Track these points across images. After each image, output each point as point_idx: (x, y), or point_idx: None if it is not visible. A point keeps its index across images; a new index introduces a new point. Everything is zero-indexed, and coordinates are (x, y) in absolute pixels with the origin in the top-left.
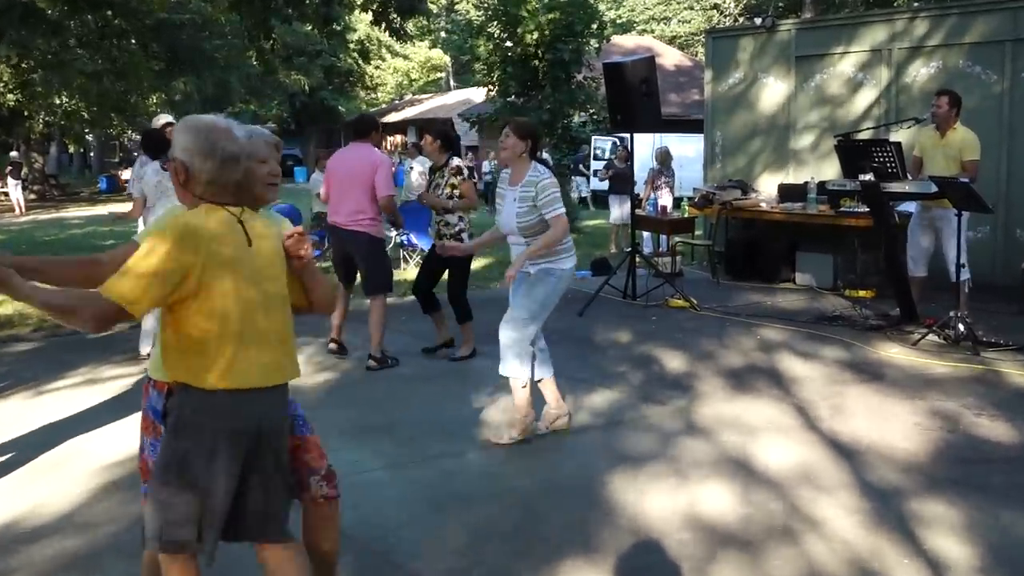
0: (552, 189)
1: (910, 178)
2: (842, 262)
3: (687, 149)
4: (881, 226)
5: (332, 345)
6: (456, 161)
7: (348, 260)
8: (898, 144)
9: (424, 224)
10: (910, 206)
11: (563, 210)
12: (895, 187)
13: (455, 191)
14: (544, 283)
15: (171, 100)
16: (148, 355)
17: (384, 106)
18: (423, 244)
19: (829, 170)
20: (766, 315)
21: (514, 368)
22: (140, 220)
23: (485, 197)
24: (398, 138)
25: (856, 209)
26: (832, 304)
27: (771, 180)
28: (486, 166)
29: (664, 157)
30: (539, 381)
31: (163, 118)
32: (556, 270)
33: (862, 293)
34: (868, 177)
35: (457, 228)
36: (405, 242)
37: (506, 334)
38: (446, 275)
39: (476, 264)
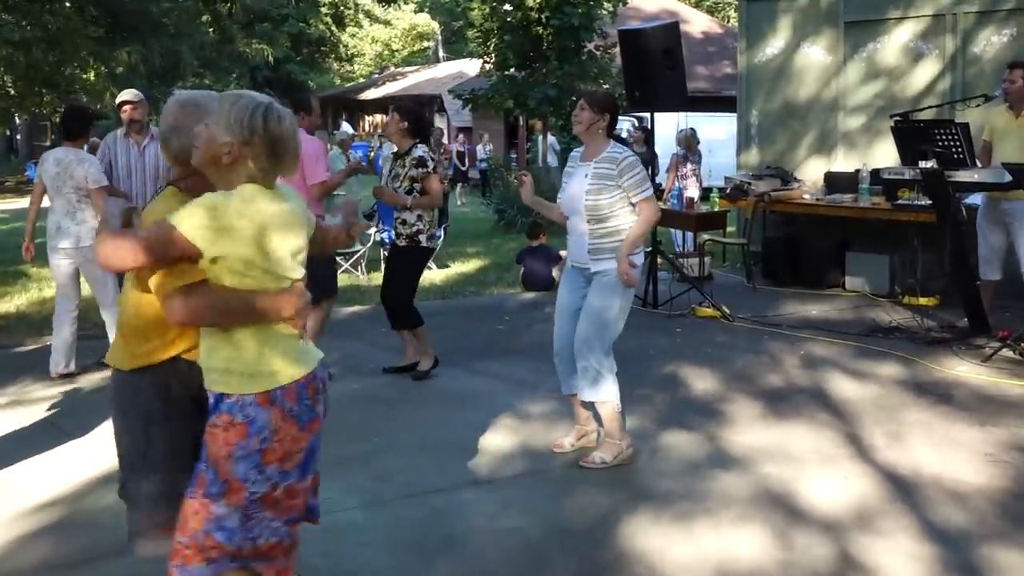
0: (639, 169)
1: (979, 165)
2: (900, 264)
3: (717, 131)
4: (945, 221)
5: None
6: (420, 151)
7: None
8: (965, 126)
9: None
10: (978, 198)
11: (652, 192)
12: (962, 176)
13: (415, 185)
14: (616, 287)
15: (112, 73)
16: (66, 374)
17: (361, 81)
18: None
19: (884, 156)
20: (810, 326)
21: (604, 391)
22: (59, 218)
23: (483, 188)
24: (377, 118)
25: (916, 202)
26: (888, 313)
27: (816, 167)
28: (481, 151)
29: (689, 140)
30: (572, 395)
31: (126, 94)
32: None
33: (923, 300)
34: (930, 164)
35: (415, 228)
36: (385, 240)
37: (586, 352)
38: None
39: (471, 266)
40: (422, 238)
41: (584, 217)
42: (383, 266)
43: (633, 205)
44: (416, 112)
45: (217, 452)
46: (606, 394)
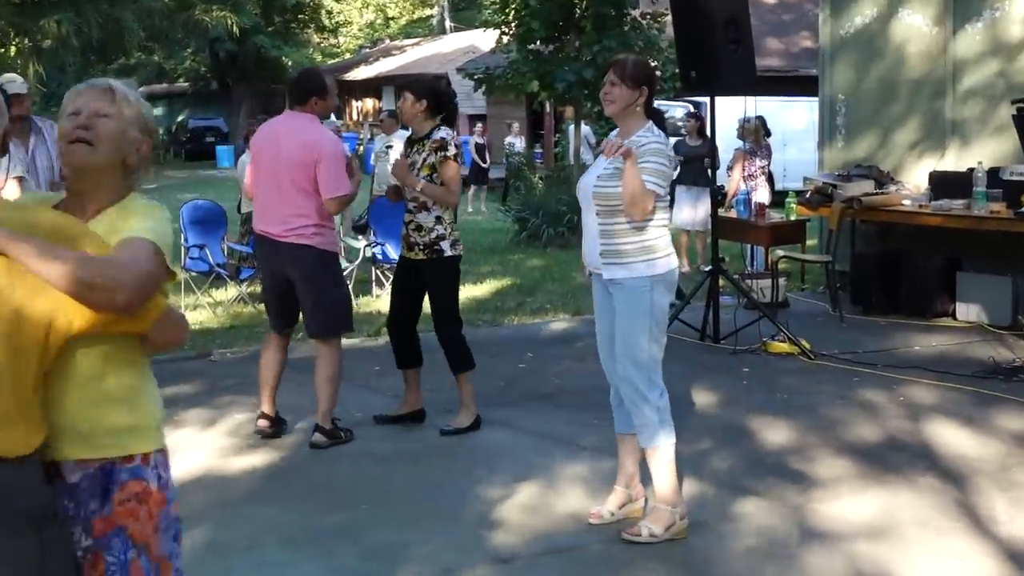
0: (656, 158)
1: None
2: None
3: (793, 119)
4: None
5: (261, 422)
6: (443, 132)
7: (284, 288)
8: None
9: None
10: None
11: (658, 190)
12: None
13: (434, 175)
14: (641, 301)
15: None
16: None
17: (348, 57)
18: None
19: (1005, 151)
20: (913, 365)
21: (651, 434)
22: None
23: (504, 191)
24: (369, 103)
25: None
26: (1011, 349)
27: (919, 166)
28: (515, 143)
29: (757, 132)
30: (620, 435)
31: (14, 83)
32: (645, 280)
33: None
34: None
35: (434, 234)
36: (379, 256)
37: (624, 386)
38: (426, 302)
39: (484, 289)
40: (445, 246)
41: (593, 209)
42: (375, 287)
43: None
44: (433, 88)
45: (143, 531)
46: (653, 437)
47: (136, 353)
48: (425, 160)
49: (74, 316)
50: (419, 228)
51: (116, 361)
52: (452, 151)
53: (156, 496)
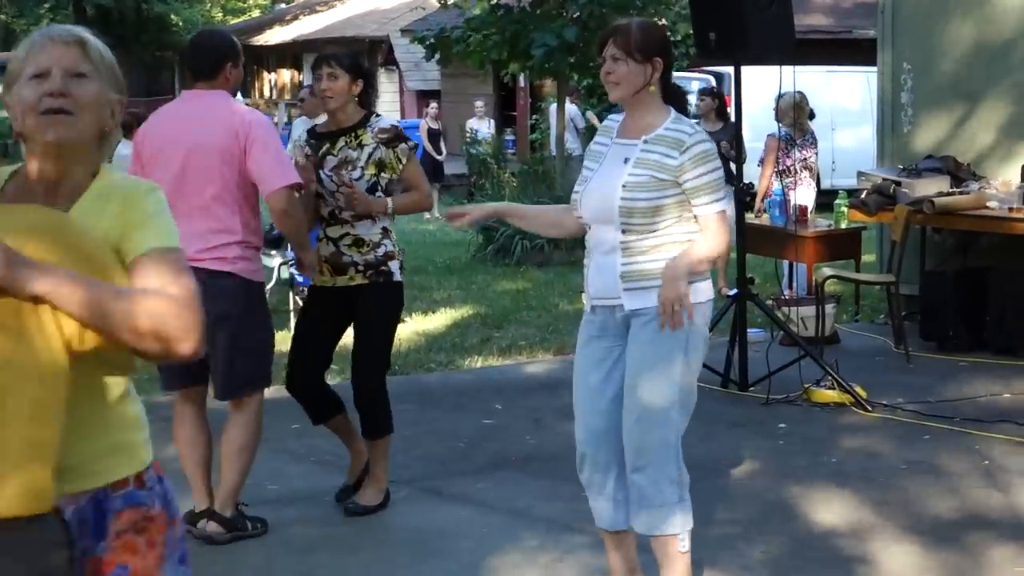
0: (716, 164)
1: None
2: None
3: (844, 97)
4: None
5: (209, 526)
6: (387, 120)
7: None
8: None
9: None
10: None
11: (726, 205)
12: None
13: (382, 177)
14: (671, 336)
15: None
16: None
17: (258, 15)
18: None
19: None
20: (1001, 419)
21: (671, 519)
22: None
23: (469, 190)
24: (285, 76)
25: None
26: None
27: (1009, 158)
28: (481, 127)
29: (798, 112)
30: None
31: None
32: (692, 306)
33: None
34: None
35: (382, 251)
36: (296, 278)
37: (642, 460)
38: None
39: (438, 321)
40: (394, 267)
41: (618, 225)
42: (294, 316)
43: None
44: (363, 65)
45: (146, 566)
46: (670, 522)
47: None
48: (371, 156)
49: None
50: (359, 243)
51: (98, 377)
52: (411, 140)
53: (158, 518)
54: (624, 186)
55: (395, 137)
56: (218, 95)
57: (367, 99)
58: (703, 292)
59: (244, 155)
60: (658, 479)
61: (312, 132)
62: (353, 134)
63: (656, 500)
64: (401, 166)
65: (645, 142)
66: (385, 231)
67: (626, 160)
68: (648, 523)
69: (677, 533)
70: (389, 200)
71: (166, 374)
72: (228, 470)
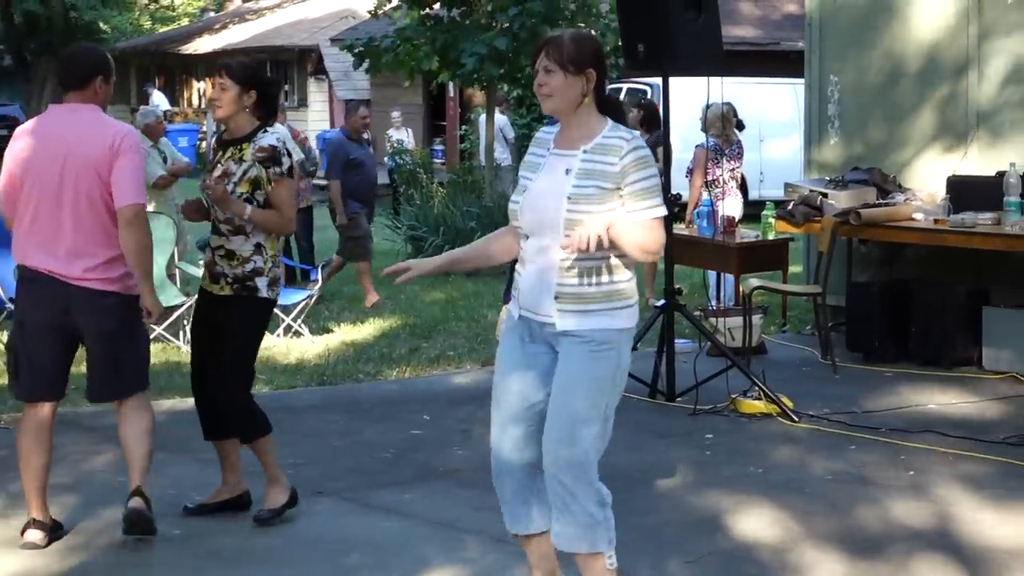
0: (653, 169)
1: None
2: None
3: (773, 109)
4: None
5: (35, 534)
6: (272, 138)
7: (64, 344)
8: None
9: None
10: None
11: (664, 211)
12: None
13: (257, 194)
14: (603, 359)
15: None
16: None
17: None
18: None
19: None
20: (926, 429)
21: (594, 537)
22: None
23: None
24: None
25: None
26: None
27: (934, 169)
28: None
29: (725, 123)
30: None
31: None
32: (613, 333)
33: None
34: None
35: (250, 266)
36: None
37: (565, 474)
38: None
39: (366, 331)
40: (260, 283)
41: (557, 239)
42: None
43: None
44: (259, 75)
45: None
46: (596, 540)
47: None
48: (246, 173)
49: None
50: (230, 256)
51: None
52: (286, 164)
53: None
54: (569, 198)
55: (270, 158)
56: (91, 109)
57: (268, 109)
58: (630, 317)
59: (109, 168)
60: (583, 498)
61: (219, 136)
62: (239, 147)
63: (582, 519)
64: (270, 187)
65: (585, 152)
66: (258, 247)
67: (567, 171)
68: (574, 541)
69: (604, 552)
70: (249, 208)
71: (31, 387)
72: (139, 450)
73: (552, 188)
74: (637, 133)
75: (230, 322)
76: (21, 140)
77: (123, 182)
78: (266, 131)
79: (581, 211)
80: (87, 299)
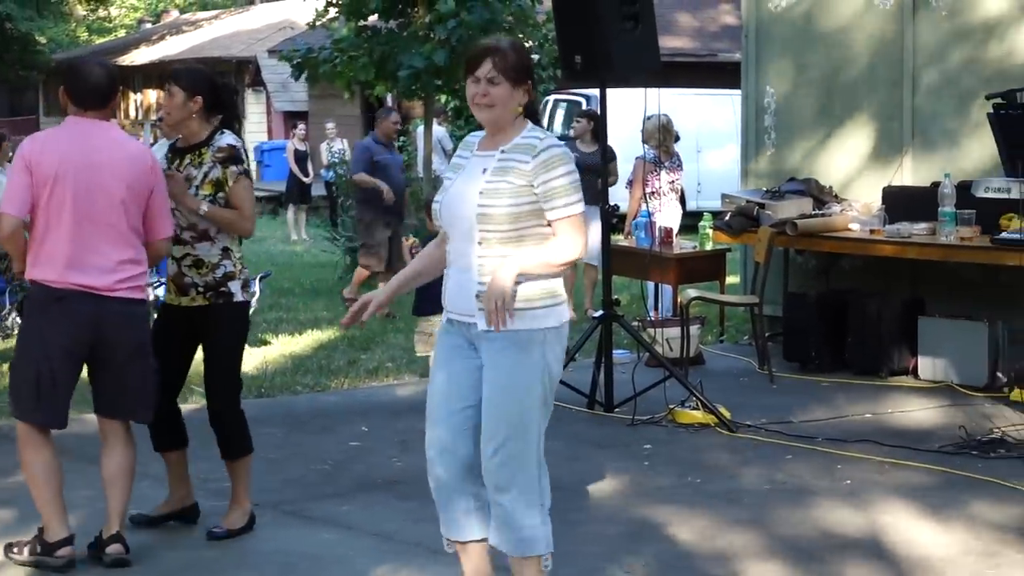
0: (568, 168)
1: None
2: (1006, 337)
3: (710, 119)
4: None
5: (65, 551)
6: (229, 138)
7: (80, 362)
8: None
9: None
10: None
11: (581, 207)
12: None
13: (219, 196)
14: (531, 357)
15: None
16: None
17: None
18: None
19: (978, 160)
20: (862, 439)
21: (530, 539)
22: None
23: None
24: (151, 96)
25: None
26: (988, 417)
27: (870, 180)
28: (327, 150)
29: (664, 134)
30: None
31: None
32: (538, 333)
33: None
34: None
35: (221, 272)
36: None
37: (499, 477)
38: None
39: (304, 343)
40: (234, 287)
41: (476, 234)
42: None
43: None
44: (209, 79)
45: None
46: (534, 543)
47: None
48: (207, 175)
49: None
50: (198, 264)
51: None
52: (246, 163)
53: None
54: (481, 192)
55: (228, 158)
56: (111, 126)
57: (225, 114)
58: (559, 315)
59: (152, 193)
60: (521, 502)
61: (172, 147)
62: (197, 152)
63: (520, 522)
64: (229, 186)
65: (503, 151)
66: (225, 251)
67: (484, 170)
68: (512, 545)
69: (541, 555)
70: (205, 203)
71: (47, 411)
72: (122, 490)
73: (469, 187)
74: (553, 137)
75: (211, 333)
76: (51, 150)
77: (160, 212)
78: (223, 133)
79: (491, 204)
80: (120, 312)
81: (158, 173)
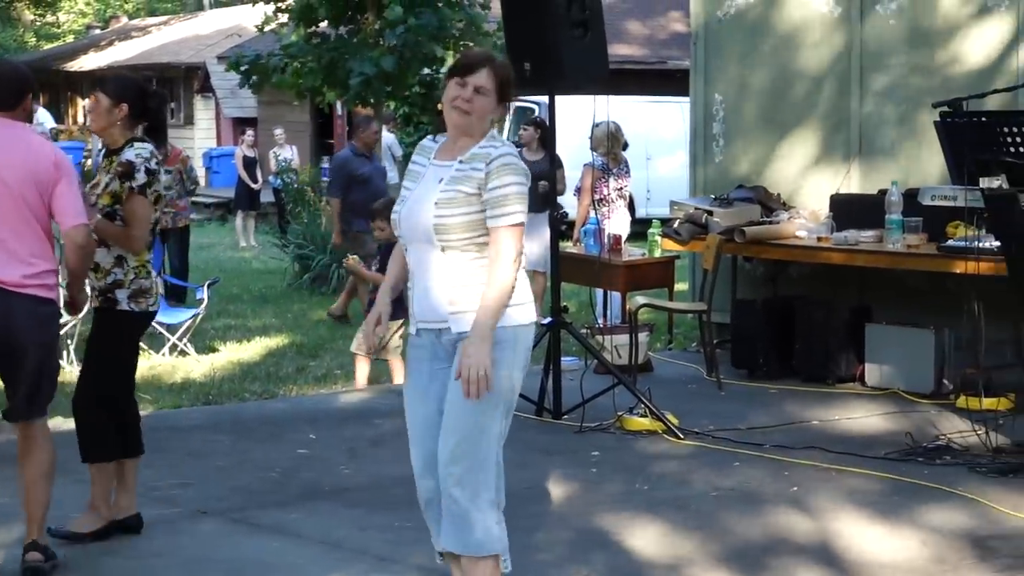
0: (517, 179)
1: None
2: (951, 344)
3: (659, 127)
4: (1022, 275)
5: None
6: (132, 152)
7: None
8: None
9: None
10: None
11: (523, 218)
12: None
13: (117, 208)
14: (497, 355)
15: None
16: None
17: (72, 40)
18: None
19: (925, 168)
20: (809, 445)
21: (482, 540)
22: None
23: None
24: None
25: (976, 243)
26: (934, 424)
27: (818, 187)
28: (276, 157)
29: (612, 142)
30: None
31: None
32: (509, 330)
33: (988, 403)
34: (998, 182)
35: (110, 279)
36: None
37: (454, 478)
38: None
39: (252, 350)
40: (120, 296)
41: (435, 244)
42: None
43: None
44: (137, 87)
45: None
46: (488, 543)
47: None
48: (108, 185)
49: None
50: (96, 269)
51: None
52: (141, 180)
53: None
54: (436, 203)
55: (125, 173)
56: (21, 126)
57: (150, 123)
58: (525, 314)
59: (55, 186)
60: (477, 500)
61: (103, 149)
62: (111, 159)
63: (475, 522)
64: (121, 198)
65: (460, 162)
66: (119, 259)
67: (440, 180)
68: (467, 544)
69: (499, 554)
70: (96, 216)
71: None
72: (41, 494)
73: (426, 197)
74: (509, 145)
75: (91, 337)
76: None
77: (70, 202)
78: (132, 145)
79: (446, 215)
80: (29, 308)
81: (63, 168)
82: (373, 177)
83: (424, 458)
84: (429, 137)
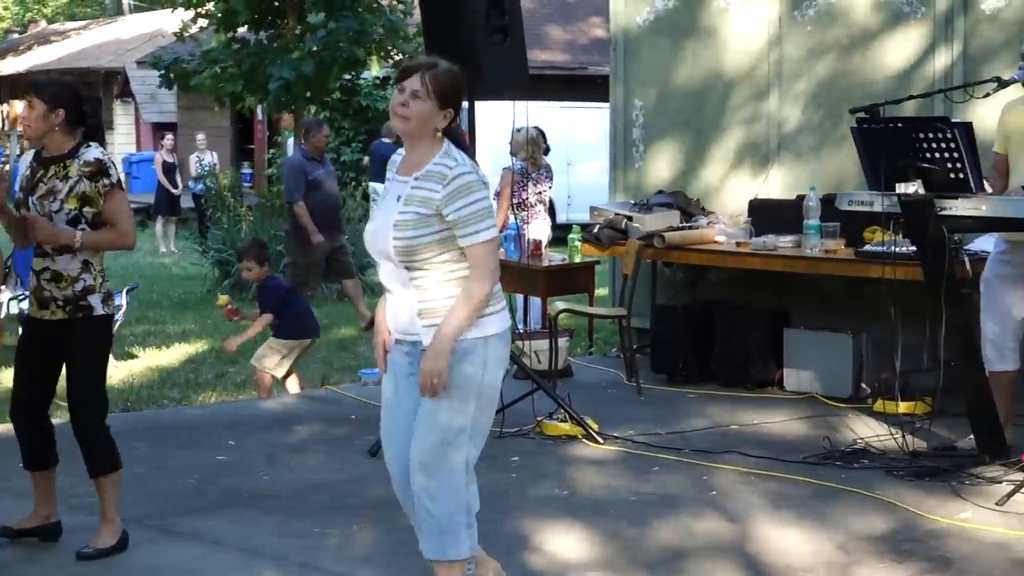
0: (480, 194)
1: (989, 190)
2: (868, 348)
3: (580, 132)
4: (938, 280)
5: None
6: (95, 152)
7: None
8: (967, 127)
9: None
10: (989, 242)
11: (494, 233)
12: (963, 207)
13: (86, 211)
14: (467, 367)
15: None
16: None
17: None
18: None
19: (842, 173)
20: (728, 449)
21: (452, 544)
22: None
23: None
24: (17, 107)
25: (892, 248)
26: (852, 428)
27: (736, 192)
28: (197, 162)
29: (533, 147)
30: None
31: None
32: (480, 341)
33: (906, 407)
34: (913, 188)
35: (80, 286)
36: (24, 312)
37: (424, 482)
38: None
39: (172, 356)
40: (94, 301)
41: (398, 263)
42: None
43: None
44: (72, 91)
45: None
46: (454, 545)
47: None
48: (73, 189)
49: None
50: (57, 278)
51: None
52: (115, 176)
53: None
54: (395, 225)
55: (97, 171)
56: None
57: (88, 126)
58: (495, 323)
59: None
60: (447, 504)
61: (38, 155)
62: (62, 164)
63: (446, 525)
64: (103, 202)
65: (415, 179)
66: (86, 264)
67: (399, 198)
68: (436, 548)
69: (465, 559)
70: (79, 234)
71: None
72: None
73: (386, 218)
74: (466, 162)
75: (72, 349)
76: None
77: None
78: (89, 146)
79: (404, 238)
80: None
81: None
82: (325, 181)
83: (400, 461)
84: (399, 151)
